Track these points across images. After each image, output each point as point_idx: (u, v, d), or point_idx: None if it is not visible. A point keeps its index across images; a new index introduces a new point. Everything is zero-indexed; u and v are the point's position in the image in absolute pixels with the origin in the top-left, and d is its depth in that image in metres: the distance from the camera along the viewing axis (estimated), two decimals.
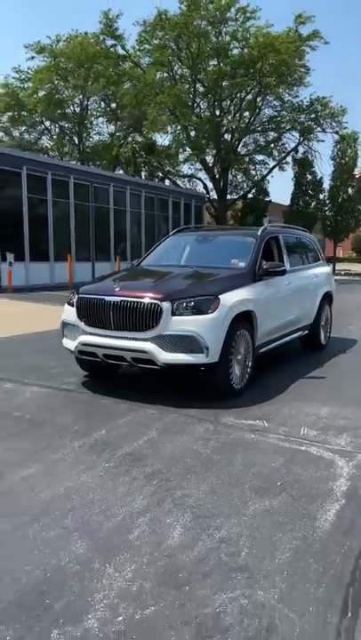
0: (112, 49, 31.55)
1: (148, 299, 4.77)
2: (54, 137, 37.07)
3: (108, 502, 2.92)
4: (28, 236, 19.03)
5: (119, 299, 4.87)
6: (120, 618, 2.02)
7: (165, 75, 29.08)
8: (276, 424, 4.36)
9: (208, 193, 33.04)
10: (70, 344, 5.30)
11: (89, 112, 35.57)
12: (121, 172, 33.76)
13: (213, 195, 32.66)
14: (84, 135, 35.90)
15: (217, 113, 30.31)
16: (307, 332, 7.25)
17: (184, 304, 4.73)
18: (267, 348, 5.88)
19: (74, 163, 30.39)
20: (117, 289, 5.05)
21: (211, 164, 31.99)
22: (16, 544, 2.51)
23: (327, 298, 7.82)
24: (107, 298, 4.95)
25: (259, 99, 29.92)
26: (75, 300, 5.29)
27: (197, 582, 2.22)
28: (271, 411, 4.70)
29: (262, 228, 6.45)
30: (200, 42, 27.35)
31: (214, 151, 30.85)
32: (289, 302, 6.46)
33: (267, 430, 4.20)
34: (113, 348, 4.85)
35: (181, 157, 33.73)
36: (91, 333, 5.05)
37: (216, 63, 28.62)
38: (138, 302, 4.77)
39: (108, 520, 2.73)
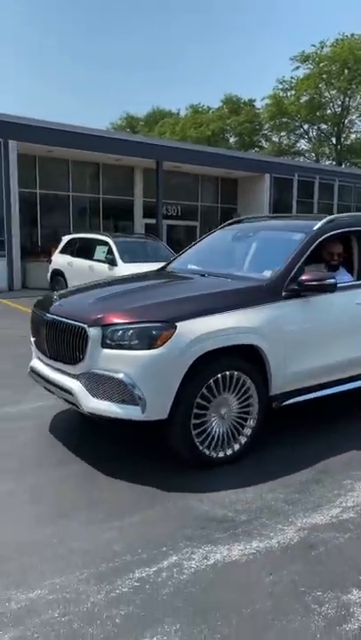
0: None
1: (75, 320, 3.49)
2: (312, 139, 37.90)
3: None
4: None
5: (51, 317, 3.72)
6: None
7: None
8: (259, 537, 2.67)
9: None
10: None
11: (349, 112, 35.39)
12: None
13: None
14: (343, 135, 35.96)
15: None
16: None
17: (120, 332, 3.30)
18: (303, 397, 3.94)
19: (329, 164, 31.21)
20: (57, 303, 3.92)
21: None
22: None
23: None
24: (45, 315, 3.80)
25: None
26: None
27: None
28: (262, 504, 3.02)
29: (326, 218, 4.27)
30: None
31: None
32: None
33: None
34: (47, 380, 3.74)
35: None
36: (38, 357, 4.02)
37: None
38: (66, 324, 3.54)
39: None
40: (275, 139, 41.74)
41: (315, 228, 4.13)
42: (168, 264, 5.31)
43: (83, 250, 11.47)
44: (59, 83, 68.75)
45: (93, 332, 3.33)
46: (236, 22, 66.68)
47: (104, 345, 3.32)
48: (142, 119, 48.82)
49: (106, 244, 10.66)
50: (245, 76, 67.90)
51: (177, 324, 3.28)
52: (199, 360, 3.30)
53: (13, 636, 2.02)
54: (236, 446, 3.60)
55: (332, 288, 3.81)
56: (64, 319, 3.58)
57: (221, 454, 3.52)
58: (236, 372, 3.49)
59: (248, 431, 3.63)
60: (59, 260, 12.08)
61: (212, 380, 3.39)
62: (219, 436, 3.51)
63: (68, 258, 11.74)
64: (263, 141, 42.76)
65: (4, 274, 14.58)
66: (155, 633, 2.05)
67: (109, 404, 3.30)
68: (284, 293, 3.78)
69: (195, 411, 3.35)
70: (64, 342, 3.55)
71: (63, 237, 12.47)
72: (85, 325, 3.38)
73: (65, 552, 2.57)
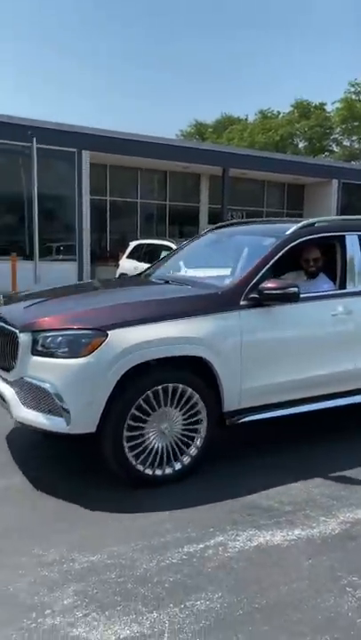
0: None
1: (10, 325, 3.39)
2: None
3: None
4: None
5: None
6: None
7: None
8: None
9: None
10: None
11: None
12: None
13: None
14: None
15: None
16: None
17: (49, 338, 3.15)
18: (264, 415, 3.62)
19: None
20: (4, 307, 3.86)
21: None
22: None
23: None
24: None
25: None
26: None
27: None
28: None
29: (301, 223, 3.97)
30: None
31: None
32: (340, 344, 3.92)
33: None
34: None
35: None
36: None
37: None
38: (4, 329, 3.46)
39: None
40: (346, 143, 41.03)
41: (287, 233, 3.85)
42: (149, 269, 5.14)
43: (148, 255, 11.91)
44: (129, 90, 70.83)
45: (24, 338, 3.20)
46: (304, 25, 65.91)
47: (34, 351, 3.17)
48: (211, 126, 49.34)
49: (170, 249, 11.04)
50: (316, 80, 66.99)
51: (109, 332, 3.09)
52: (134, 371, 3.10)
53: (76, 589, 2.33)
54: (178, 465, 3.33)
55: (295, 297, 3.50)
56: (3, 324, 3.49)
57: (159, 472, 3.28)
58: (181, 386, 3.25)
59: (193, 450, 3.36)
60: (126, 264, 12.59)
61: (150, 393, 3.16)
62: (158, 452, 3.27)
63: (134, 263, 12.22)
64: (333, 146, 42.10)
65: (75, 277, 15.33)
66: (199, 598, 2.29)
67: (37, 414, 3.16)
68: (243, 302, 3.50)
69: (129, 423, 3.14)
70: (2, 347, 3.46)
71: (130, 243, 13.01)
72: (17, 330, 3.26)
73: (122, 526, 2.86)
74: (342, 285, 4.01)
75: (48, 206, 15.48)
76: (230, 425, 3.53)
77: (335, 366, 3.88)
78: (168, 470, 3.31)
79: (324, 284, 4.10)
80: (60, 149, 15.19)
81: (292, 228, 3.90)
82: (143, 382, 3.17)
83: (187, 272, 4.58)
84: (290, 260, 4.10)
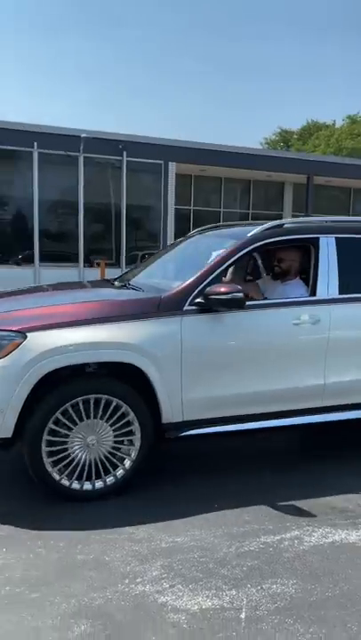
0: None
1: None
2: None
3: None
4: None
5: None
6: None
7: None
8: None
9: None
10: None
11: None
12: None
13: None
14: None
15: None
16: None
17: None
18: (210, 430, 3.39)
19: None
20: None
21: None
22: None
23: None
24: None
25: None
26: None
27: None
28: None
29: (265, 225, 3.71)
30: None
31: None
32: (303, 356, 3.60)
33: None
34: None
35: None
36: None
37: None
38: None
39: None
40: None
41: (248, 235, 3.61)
42: (126, 273, 4.94)
43: None
44: (213, 99, 71.74)
45: None
46: None
47: None
48: (296, 133, 48.86)
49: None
50: None
51: (28, 334, 2.97)
52: (53, 376, 2.99)
53: (162, 564, 2.59)
54: (110, 479, 3.20)
55: (239, 304, 3.27)
56: None
57: (88, 487, 3.15)
58: (105, 396, 3.09)
59: (128, 463, 3.21)
60: None
61: (72, 402, 3.04)
62: (85, 466, 3.13)
63: None
64: None
65: None
66: (275, 582, 2.47)
67: None
68: (187, 307, 3.28)
69: (48, 434, 3.01)
70: None
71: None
72: None
73: (203, 515, 3.10)
74: (313, 292, 3.69)
75: (135, 216, 16.22)
76: (172, 438, 3.32)
77: (297, 381, 3.56)
78: (99, 484, 3.17)
79: (297, 290, 3.81)
80: (148, 161, 15.86)
81: (254, 230, 3.65)
82: (66, 389, 3.05)
83: (155, 277, 4.27)
84: (268, 264, 4.03)
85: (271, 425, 3.55)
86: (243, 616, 2.23)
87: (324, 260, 3.70)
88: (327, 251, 3.72)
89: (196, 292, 3.33)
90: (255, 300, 3.71)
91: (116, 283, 4.30)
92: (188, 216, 18.81)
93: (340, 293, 3.67)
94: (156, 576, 2.49)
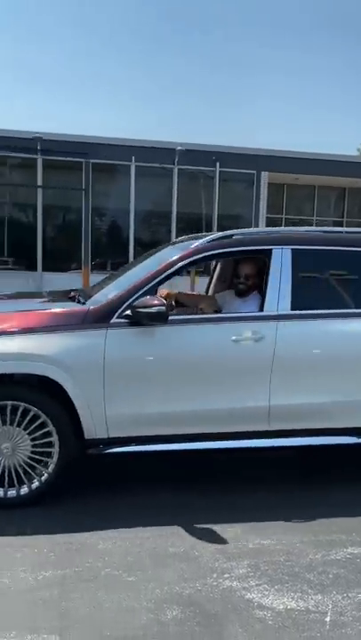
0: None
1: None
2: None
3: None
4: None
5: None
6: None
7: None
8: None
9: None
10: None
11: None
12: None
13: None
14: None
15: None
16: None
17: None
18: (137, 448, 3.29)
19: None
20: None
21: None
22: None
23: None
24: None
25: None
26: None
27: None
28: None
29: (212, 236, 3.61)
30: None
31: None
32: (241, 375, 3.39)
33: None
34: None
35: None
36: None
37: None
38: None
39: None
40: None
41: (191, 247, 3.50)
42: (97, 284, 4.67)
43: None
44: (307, 104, 70.42)
45: None
46: None
47: None
48: None
49: None
50: None
51: None
52: None
53: (249, 563, 2.71)
54: (24, 489, 3.16)
55: (161, 318, 3.17)
56: None
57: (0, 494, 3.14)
58: (23, 404, 3.07)
59: (45, 476, 3.17)
60: None
61: None
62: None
63: None
64: None
65: None
66: (360, 592, 2.50)
67: None
68: (115, 320, 3.21)
69: None
70: None
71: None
72: None
73: (292, 521, 3.17)
74: (261, 307, 3.49)
75: (226, 225, 16.40)
76: (95, 455, 3.27)
77: (236, 401, 3.36)
78: (11, 493, 3.14)
79: (251, 306, 3.62)
80: (241, 171, 16.04)
81: (198, 242, 3.54)
82: None
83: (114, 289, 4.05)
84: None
85: (207, 447, 3.41)
86: (328, 619, 2.29)
87: (276, 273, 3.48)
88: (280, 263, 3.50)
89: (125, 305, 3.25)
90: (206, 313, 3.67)
91: (71, 294, 4.12)
92: (279, 224, 18.69)
93: (292, 309, 3.43)
94: (243, 574, 2.61)
